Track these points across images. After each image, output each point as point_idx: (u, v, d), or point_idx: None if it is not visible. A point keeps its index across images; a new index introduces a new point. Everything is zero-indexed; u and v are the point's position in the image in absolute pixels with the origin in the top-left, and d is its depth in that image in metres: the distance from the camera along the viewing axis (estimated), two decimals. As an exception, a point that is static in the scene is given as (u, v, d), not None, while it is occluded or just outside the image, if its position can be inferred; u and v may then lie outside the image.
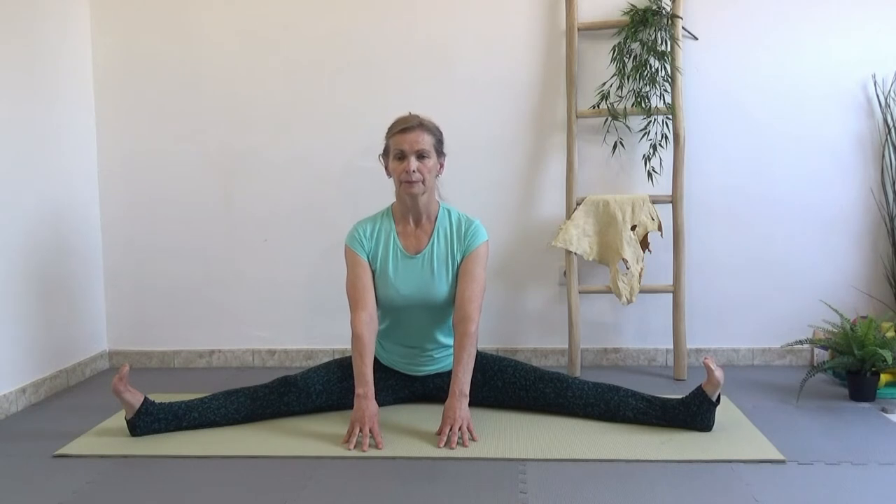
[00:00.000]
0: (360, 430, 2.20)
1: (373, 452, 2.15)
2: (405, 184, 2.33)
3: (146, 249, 3.22)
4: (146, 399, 2.30)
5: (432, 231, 2.42)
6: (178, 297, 3.24)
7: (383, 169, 2.45)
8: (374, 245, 2.42)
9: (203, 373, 3.15)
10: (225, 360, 3.25)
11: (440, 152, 2.41)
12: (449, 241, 2.41)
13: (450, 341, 2.45)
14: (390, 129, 2.40)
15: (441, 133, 2.43)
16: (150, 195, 3.21)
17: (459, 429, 2.20)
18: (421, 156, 2.33)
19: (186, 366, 3.26)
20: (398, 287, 2.39)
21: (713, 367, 2.21)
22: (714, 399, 2.25)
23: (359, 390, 2.26)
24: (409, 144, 2.32)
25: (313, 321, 3.18)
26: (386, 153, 2.42)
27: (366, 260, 2.41)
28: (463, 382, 2.27)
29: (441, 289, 2.39)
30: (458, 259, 2.40)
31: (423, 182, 2.34)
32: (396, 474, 2.00)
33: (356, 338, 2.32)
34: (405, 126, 2.35)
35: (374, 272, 2.42)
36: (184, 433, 2.32)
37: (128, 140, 3.19)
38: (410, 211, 2.41)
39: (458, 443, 2.17)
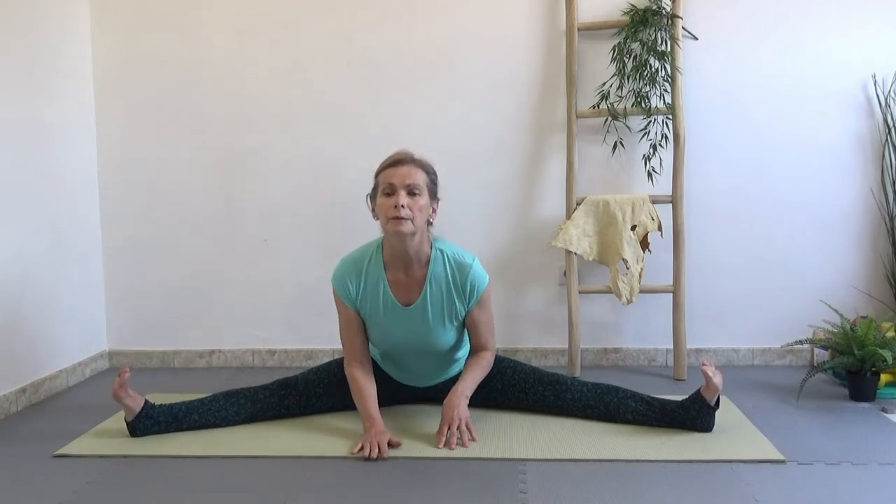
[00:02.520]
0: (372, 445, 2.13)
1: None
2: (392, 221, 2.12)
3: (146, 249, 3.22)
4: (146, 402, 2.29)
5: (424, 279, 2.24)
6: (178, 297, 3.24)
7: (370, 212, 2.26)
8: (362, 294, 2.27)
9: (203, 373, 3.15)
10: (225, 360, 3.25)
11: (434, 194, 2.22)
12: (445, 290, 2.24)
13: (454, 365, 2.44)
14: (380, 165, 2.22)
15: (436, 174, 2.25)
16: (149, 195, 3.21)
17: (458, 428, 2.19)
18: (412, 192, 2.14)
19: (186, 366, 3.26)
20: (392, 334, 2.32)
21: (711, 373, 2.19)
22: (713, 404, 2.24)
23: (365, 424, 2.23)
24: (399, 178, 2.14)
25: (313, 321, 3.18)
26: (374, 193, 2.22)
27: (353, 309, 2.30)
28: (468, 386, 2.27)
29: (439, 338, 2.30)
30: (462, 311, 2.27)
31: (413, 221, 2.13)
32: (396, 474, 2.00)
33: (351, 380, 2.32)
34: (396, 160, 2.18)
35: (364, 315, 2.32)
36: (184, 433, 2.32)
37: (128, 140, 3.19)
38: (400, 257, 2.22)
39: (457, 443, 2.16)
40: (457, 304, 2.26)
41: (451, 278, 2.25)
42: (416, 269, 2.25)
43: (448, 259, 2.25)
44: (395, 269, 2.26)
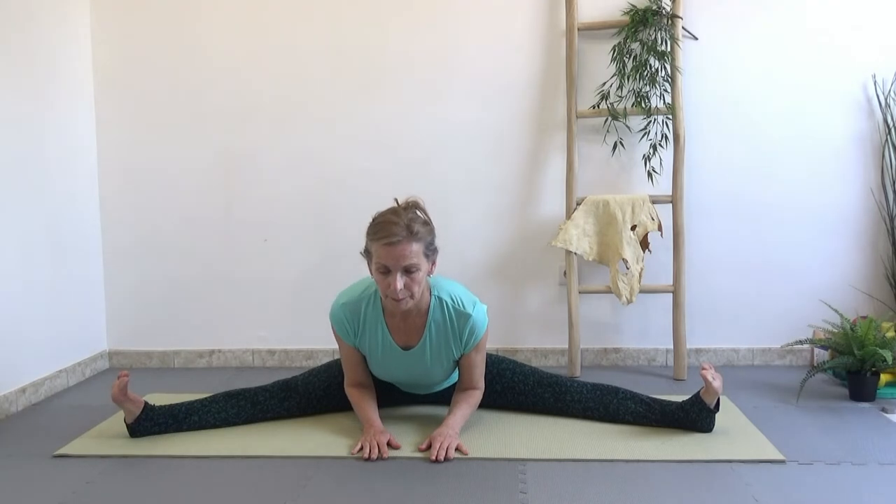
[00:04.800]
0: (372, 445, 2.12)
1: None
2: (391, 300, 2.09)
3: (146, 249, 3.22)
4: (146, 405, 2.29)
5: (424, 326, 2.21)
6: (178, 297, 3.24)
7: (366, 265, 2.17)
8: (360, 334, 2.25)
9: (203, 373, 3.15)
10: (225, 360, 3.25)
11: (431, 254, 2.11)
12: (443, 336, 2.22)
13: (452, 380, 2.43)
14: (373, 232, 2.08)
15: (431, 230, 2.12)
16: (149, 195, 3.21)
17: (447, 448, 2.10)
18: (409, 270, 2.05)
19: (186, 366, 3.25)
20: (390, 370, 2.32)
21: (710, 378, 2.18)
22: (713, 407, 2.24)
23: (365, 427, 2.23)
24: (393, 260, 2.03)
25: (313, 321, 3.17)
26: (368, 254, 2.12)
27: (352, 346, 2.28)
28: (458, 422, 2.22)
29: (437, 376, 2.33)
30: (456, 354, 2.25)
31: (412, 296, 2.09)
32: (396, 474, 2.00)
33: (350, 395, 2.34)
34: (389, 240, 2.02)
35: (363, 352, 2.30)
36: (184, 433, 2.32)
37: (127, 140, 3.19)
38: (398, 310, 2.17)
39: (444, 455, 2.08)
40: (454, 348, 2.25)
41: (450, 326, 2.21)
42: (416, 316, 2.21)
43: (448, 308, 2.20)
44: (392, 314, 2.22)
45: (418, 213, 2.11)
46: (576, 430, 2.29)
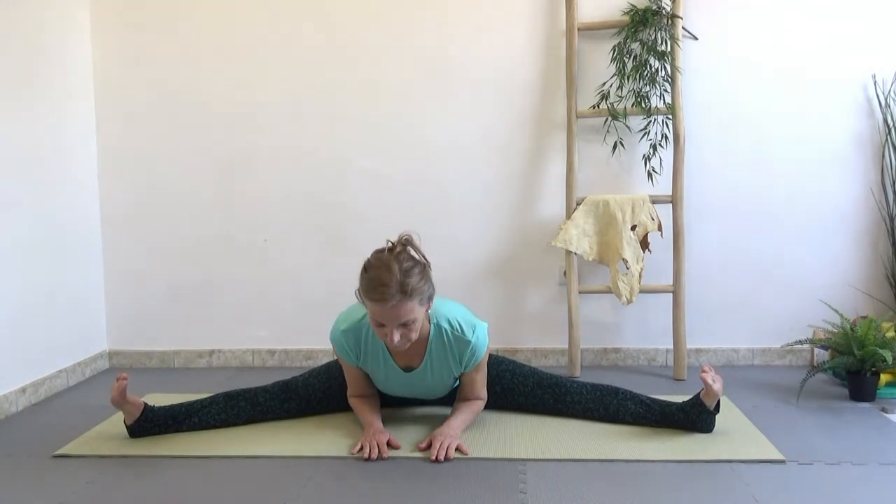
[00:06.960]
0: (372, 445, 2.12)
1: (372, 452, 2.15)
2: (388, 345, 2.09)
3: (146, 249, 3.22)
4: (146, 406, 2.28)
5: (425, 350, 2.21)
6: (178, 297, 3.23)
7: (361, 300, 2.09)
8: (363, 357, 2.25)
9: (203, 373, 3.15)
10: (225, 360, 3.25)
11: (426, 300, 2.06)
12: (443, 358, 2.22)
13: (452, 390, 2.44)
14: (365, 288, 2.01)
15: (426, 276, 2.05)
16: (149, 195, 3.20)
17: (447, 447, 2.11)
18: (405, 324, 2.02)
19: (186, 366, 3.25)
20: (394, 388, 2.34)
21: (710, 381, 2.18)
22: (713, 409, 2.24)
23: (365, 427, 2.24)
24: (387, 319, 2.00)
25: (313, 321, 3.17)
26: (362, 299, 2.06)
27: (355, 366, 2.28)
28: (459, 425, 2.23)
29: (439, 390, 2.35)
30: (457, 373, 2.27)
31: (409, 342, 2.07)
32: (396, 474, 2.00)
33: (352, 403, 2.35)
34: (383, 305, 1.98)
35: (366, 370, 2.31)
36: (183, 433, 2.31)
37: (128, 140, 3.19)
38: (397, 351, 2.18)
39: (444, 455, 2.09)
40: (454, 369, 2.26)
41: (450, 351, 2.21)
42: (417, 343, 2.18)
43: (447, 335, 2.19)
44: None
45: (411, 252, 2.06)
46: (576, 431, 2.29)
